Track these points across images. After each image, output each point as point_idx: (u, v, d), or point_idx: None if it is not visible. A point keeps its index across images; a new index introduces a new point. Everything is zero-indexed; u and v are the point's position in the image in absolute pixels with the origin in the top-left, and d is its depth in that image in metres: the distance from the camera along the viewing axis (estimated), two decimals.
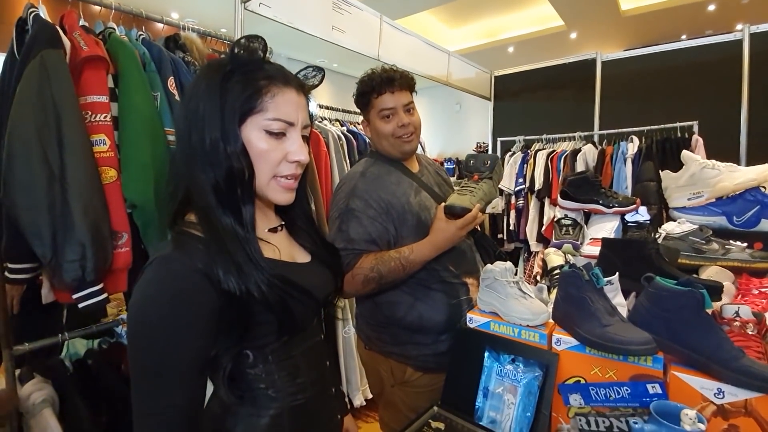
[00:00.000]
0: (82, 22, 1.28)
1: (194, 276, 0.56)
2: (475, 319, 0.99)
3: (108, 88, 1.18)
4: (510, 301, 0.93)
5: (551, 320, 0.92)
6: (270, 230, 0.73)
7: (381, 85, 1.18)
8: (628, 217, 1.40)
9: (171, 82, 1.32)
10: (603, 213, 1.40)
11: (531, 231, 2.84)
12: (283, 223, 0.77)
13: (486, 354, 0.91)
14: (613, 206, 1.38)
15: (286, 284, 0.63)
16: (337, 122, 2.43)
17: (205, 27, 1.64)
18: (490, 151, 3.85)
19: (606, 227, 1.37)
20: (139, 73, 1.22)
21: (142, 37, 1.41)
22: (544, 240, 2.80)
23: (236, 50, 0.63)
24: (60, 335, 1.31)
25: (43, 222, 1.00)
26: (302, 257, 0.77)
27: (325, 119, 2.36)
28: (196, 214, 0.63)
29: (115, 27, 1.36)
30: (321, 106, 2.48)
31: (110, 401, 1.40)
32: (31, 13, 1.14)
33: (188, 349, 0.56)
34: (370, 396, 2.28)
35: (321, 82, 0.76)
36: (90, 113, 1.12)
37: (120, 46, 1.25)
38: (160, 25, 1.55)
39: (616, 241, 1.13)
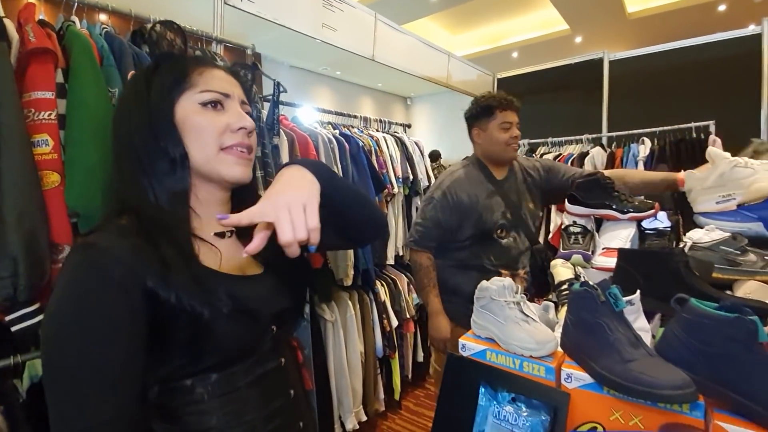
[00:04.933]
0: (41, 17, 1.17)
1: (118, 269, 0.49)
2: (468, 346, 0.83)
3: (56, 84, 1.05)
4: (510, 326, 0.77)
5: (560, 349, 0.76)
6: (217, 234, 0.63)
7: (506, 103, 1.53)
8: (645, 224, 1.24)
9: None
10: (617, 219, 1.24)
11: None
12: (233, 229, 0.65)
13: (481, 390, 0.75)
14: (629, 211, 1.21)
15: (220, 300, 0.54)
16: (330, 125, 2.30)
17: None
18: None
19: (620, 235, 1.20)
20: (93, 67, 1.09)
21: (105, 30, 1.29)
22: (551, 249, 2.63)
23: (153, 36, 0.60)
24: (12, 357, 1.17)
25: None
26: (253, 268, 0.66)
27: (317, 122, 2.23)
28: (127, 216, 0.56)
29: (77, 20, 1.24)
30: (318, 110, 2.36)
31: None
32: None
33: (112, 353, 0.48)
34: (364, 419, 2.12)
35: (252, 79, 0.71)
36: (33, 111, 0.99)
37: (75, 39, 1.13)
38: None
39: (635, 252, 0.97)
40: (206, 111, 0.60)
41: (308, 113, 2.37)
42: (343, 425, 2.02)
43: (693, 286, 0.77)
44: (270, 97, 1.76)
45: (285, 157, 1.78)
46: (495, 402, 0.73)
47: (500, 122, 1.51)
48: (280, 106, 1.82)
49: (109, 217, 0.57)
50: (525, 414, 0.69)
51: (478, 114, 1.56)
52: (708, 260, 0.87)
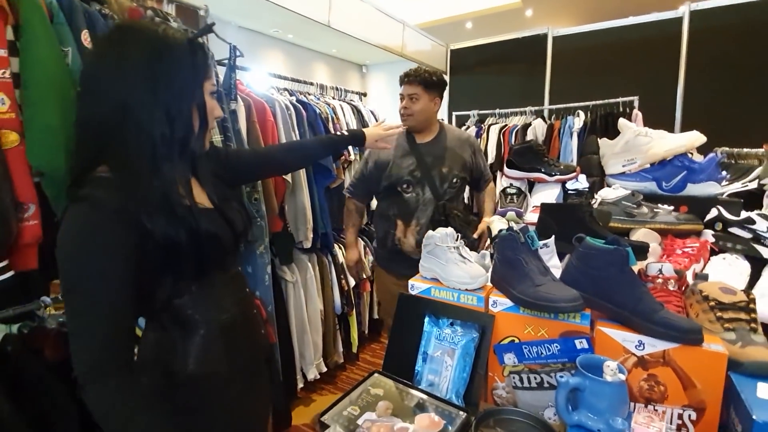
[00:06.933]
0: None
1: (111, 219, 0.63)
2: (416, 286, 0.98)
3: (7, 41, 1.03)
4: (450, 266, 0.93)
5: (489, 283, 0.92)
6: None
7: (402, 77, 1.79)
8: (568, 185, 1.43)
9: (85, 36, 1.18)
10: (545, 181, 1.42)
11: None
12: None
13: (426, 319, 0.91)
14: (555, 174, 1.40)
15: (205, 229, 0.73)
16: (286, 92, 2.31)
17: None
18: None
19: (548, 195, 1.39)
20: (44, 24, 1.07)
21: None
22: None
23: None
24: None
25: None
26: (207, 203, 0.82)
27: (273, 88, 2.24)
28: (117, 168, 0.68)
29: None
30: (272, 75, 2.35)
31: (33, 392, 1.29)
32: None
33: (110, 286, 0.64)
34: (324, 370, 2.28)
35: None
36: None
37: None
38: None
39: (552, 205, 1.15)
40: (212, 99, 0.78)
41: (261, 78, 2.35)
42: (305, 376, 2.17)
43: (593, 230, 0.96)
44: (225, 61, 1.76)
45: (242, 123, 1.80)
46: (437, 327, 0.89)
47: (400, 94, 1.78)
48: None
49: (83, 171, 0.68)
50: (460, 334, 0.85)
51: None
52: (608, 211, 1.06)
